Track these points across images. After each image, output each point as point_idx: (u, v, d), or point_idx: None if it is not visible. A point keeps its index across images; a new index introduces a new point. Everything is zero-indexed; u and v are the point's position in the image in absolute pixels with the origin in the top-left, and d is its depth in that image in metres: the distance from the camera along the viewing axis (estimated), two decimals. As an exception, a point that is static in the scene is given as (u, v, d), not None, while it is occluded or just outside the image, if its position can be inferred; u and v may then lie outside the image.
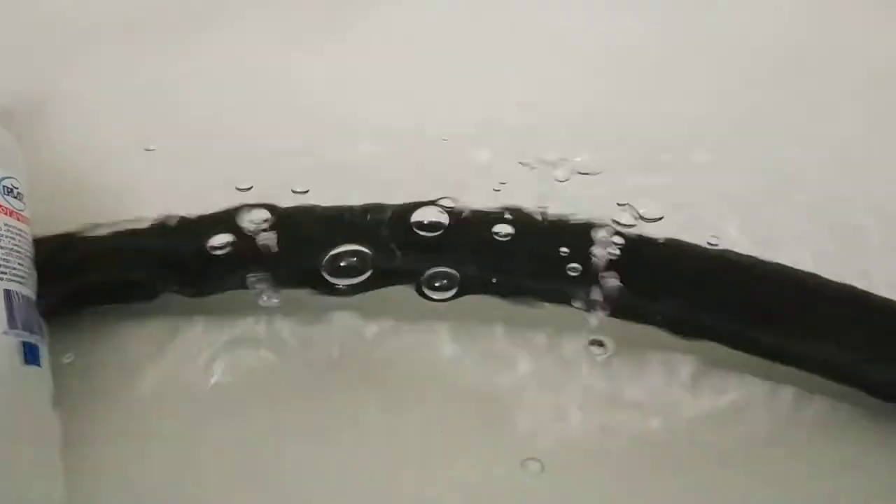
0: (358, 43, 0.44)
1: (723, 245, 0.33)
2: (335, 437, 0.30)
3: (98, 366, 0.31)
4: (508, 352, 0.32)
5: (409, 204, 0.32)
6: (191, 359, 0.31)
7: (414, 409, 0.30)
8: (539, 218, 0.33)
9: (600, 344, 0.31)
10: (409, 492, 0.28)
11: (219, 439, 0.29)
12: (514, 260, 0.32)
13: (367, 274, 0.31)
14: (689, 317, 0.31)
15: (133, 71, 0.41)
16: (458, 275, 0.31)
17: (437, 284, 0.31)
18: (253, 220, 0.32)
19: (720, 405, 0.30)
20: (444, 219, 0.32)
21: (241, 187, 0.34)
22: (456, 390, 0.31)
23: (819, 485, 0.29)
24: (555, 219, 0.33)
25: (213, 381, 0.31)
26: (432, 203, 0.32)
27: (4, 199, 0.30)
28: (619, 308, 0.31)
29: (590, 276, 0.31)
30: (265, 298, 0.32)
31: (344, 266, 0.31)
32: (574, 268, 0.31)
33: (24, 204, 0.31)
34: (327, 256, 0.31)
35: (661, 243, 0.32)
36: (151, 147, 0.37)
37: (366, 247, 0.31)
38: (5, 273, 0.28)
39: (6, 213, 0.29)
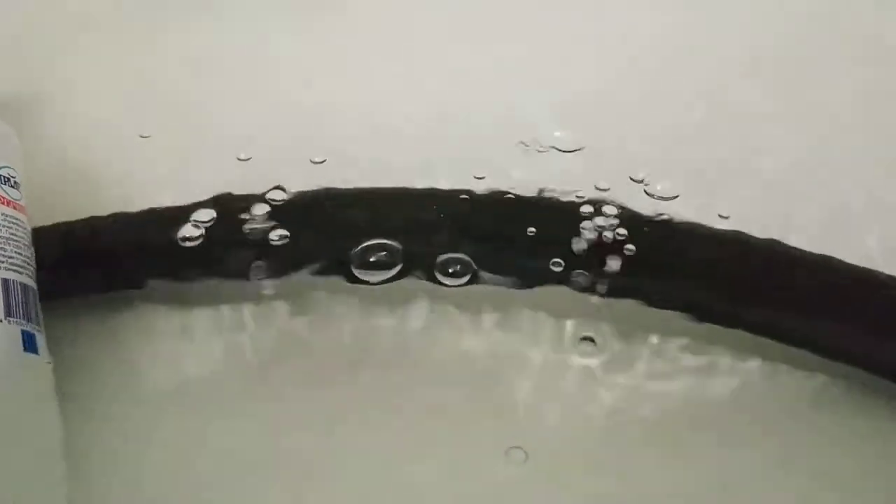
0: (351, 24, 0.44)
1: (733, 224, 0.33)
2: (333, 425, 0.30)
3: (94, 355, 0.31)
4: (507, 337, 0.32)
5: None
6: (188, 347, 0.32)
7: (412, 396, 0.30)
8: (537, 199, 0.33)
9: (591, 340, 0.31)
10: (407, 480, 0.29)
11: (218, 427, 0.30)
12: (513, 243, 0.32)
13: (397, 268, 0.31)
14: (689, 297, 0.31)
15: (127, 59, 0.41)
16: (471, 261, 0.31)
17: (450, 271, 0.31)
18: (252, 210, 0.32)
19: (715, 384, 0.31)
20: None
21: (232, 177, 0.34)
22: (455, 376, 0.31)
23: (820, 460, 0.29)
24: (553, 199, 0.33)
25: (211, 369, 0.31)
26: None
27: (1, 188, 0.30)
28: (617, 289, 0.31)
29: (586, 257, 0.31)
30: (262, 286, 0.32)
31: (374, 261, 0.31)
32: (569, 250, 0.31)
33: (21, 193, 0.31)
34: (357, 249, 0.31)
35: (659, 223, 0.32)
36: (146, 133, 0.37)
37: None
38: (2, 262, 0.28)
39: (3, 203, 0.29)
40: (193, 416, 0.30)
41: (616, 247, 0.31)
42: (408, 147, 0.36)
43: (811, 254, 0.31)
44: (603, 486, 0.28)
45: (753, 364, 0.31)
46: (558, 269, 0.31)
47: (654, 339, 0.31)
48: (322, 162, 0.35)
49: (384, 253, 0.31)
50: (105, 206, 0.33)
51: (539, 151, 0.36)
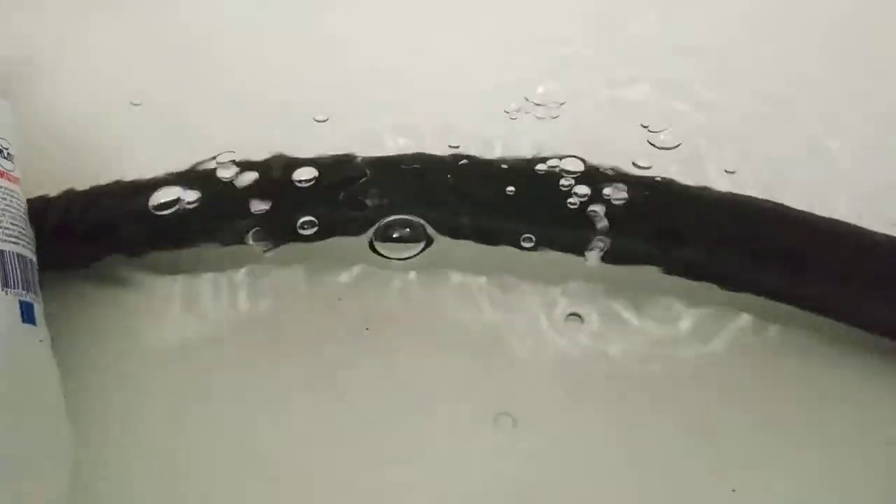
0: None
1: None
2: (331, 385, 0.30)
3: (94, 323, 0.31)
4: (505, 299, 0.32)
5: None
6: (187, 312, 0.32)
7: (410, 358, 0.31)
8: (534, 162, 0.33)
9: (578, 316, 0.32)
10: (406, 439, 0.29)
11: (219, 389, 0.30)
12: (511, 206, 0.32)
13: (421, 246, 0.32)
14: (690, 259, 0.32)
15: (120, 27, 0.41)
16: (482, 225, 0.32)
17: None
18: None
19: (706, 344, 0.31)
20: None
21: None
22: (454, 338, 0.31)
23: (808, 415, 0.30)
24: (553, 165, 0.33)
25: (210, 332, 0.32)
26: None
27: None
28: (615, 253, 0.32)
29: (584, 220, 0.31)
30: (261, 249, 0.32)
31: (396, 237, 0.32)
32: (570, 212, 0.31)
33: (15, 164, 0.31)
34: (378, 226, 0.31)
35: (659, 184, 0.32)
36: (137, 101, 0.37)
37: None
38: None
39: None
40: (192, 380, 0.31)
41: (611, 210, 0.31)
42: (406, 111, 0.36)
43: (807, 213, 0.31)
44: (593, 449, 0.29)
45: (745, 322, 0.32)
46: (549, 234, 0.32)
47: (643, 302, 0.32)
48: (324, 120, 0.36)
49: (407, 229, 0.31)
50: (98, 175, 0.33)
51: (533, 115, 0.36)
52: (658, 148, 0.34)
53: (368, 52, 0.39)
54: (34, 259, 0.29)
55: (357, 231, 0.32)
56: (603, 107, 0.37)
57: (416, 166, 0.33)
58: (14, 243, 0.28)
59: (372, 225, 0.32)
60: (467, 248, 0.32)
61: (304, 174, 0.32)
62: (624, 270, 0.32)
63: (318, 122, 0.36)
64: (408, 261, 0.32)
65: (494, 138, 0.34)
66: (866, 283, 0.30)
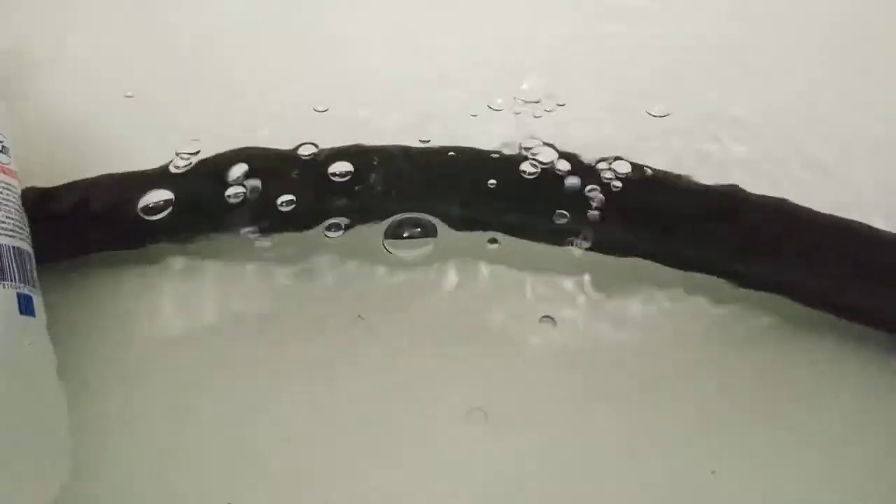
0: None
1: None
2: (331, 372, 0.31)
3: (93, 315, 0.31)
4: (496, 289, 0.33)
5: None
6: (186, 303, 0.32)
7: (406, 340, 0.31)
8: (528, 156, 0.33)
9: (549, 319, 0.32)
10: (402, 425, 0.30)
11: (218, 380, 0.30)
12: (504, 197, 0.32)
13: (431, 245, 0.32)
14: (677, 249, 0.32)
15: (115, 19, 0.41)
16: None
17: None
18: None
19: (698, 335, 0.32)
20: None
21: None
22: (449, 328, 0.32)
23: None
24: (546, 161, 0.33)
25: (209, 323, 0.32)
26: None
27: None
28: (603, 243, 0.32)
29: (576, 212, 0.32)
30: (259, 240, 0.32)
31: (407, 236, 0.32)
32: (561, 204, 0.32)
33: (10, 157, 0.31)
34: (389, 224, 0.32)
35: (649, 178, 0.32)
36: (130, 93, 0.37)
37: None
38: None
39: None
40: (193, 370, 0.31)
41: (599, 200, 0.31)
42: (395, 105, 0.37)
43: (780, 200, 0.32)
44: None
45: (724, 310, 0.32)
46: (539, 223, 0.32)
47: (622, 292, 0.32)
48: (324, 111, 0.36)
49: (417, 229, 0.32)
50: (93, 167, 0.33)
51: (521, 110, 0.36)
52: (652, 143, 0.35)
53: (367, 51, 0.39)
54: (31, 251, 0.29)
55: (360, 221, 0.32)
56: (599, 104, 0.37)
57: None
58: (10, 236, 0.28)
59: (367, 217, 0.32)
60: (463, 239, 0.32)
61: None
62: (615, 261, 0.32)
63: (319, 112, 0.36)
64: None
65: (484, 133, 0.35)
66: (857, 277, 0.31)
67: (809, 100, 0.38)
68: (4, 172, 0.30)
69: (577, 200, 0.31)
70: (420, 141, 0.34)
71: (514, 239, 0.32)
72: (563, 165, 0.32)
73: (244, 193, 0.31)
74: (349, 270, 0.33)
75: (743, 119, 0.37)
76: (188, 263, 0.33)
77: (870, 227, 0.31)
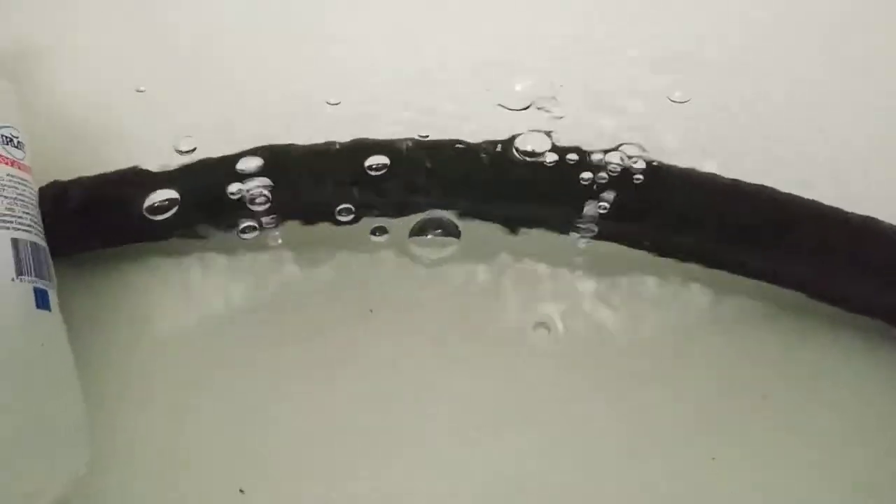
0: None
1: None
2: (333, 370, 0.31)
3: (106, 306, 0.32)
4: (499, 280, 0.33)
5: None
6: (194, 296, 0.33)
7: (408, 339, 0.32)
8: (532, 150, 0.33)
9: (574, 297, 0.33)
10: (402, 424, 0.30)
11: (224, 374, 0.31)
12: (512, 190, 0.33)
13: (454, 245, 0.33)
14: (676, 239, 0.33)
15: (124, 14, 0.41)
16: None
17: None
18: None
19: (693, 320, 0.33)
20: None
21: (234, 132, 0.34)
22: (451, 321, 0.32)
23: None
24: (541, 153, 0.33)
25: (216, 317, 0.32)
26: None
27: (4, 148, 0.30)
28: (608, 233, 0.33)
29: (579, 204, 0.32)
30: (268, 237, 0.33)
31: (429, 238, 0.33)
32: (567, 195, 0.32)
33: (25, 153, 0.31)
34: (414, 225, 0.32)
35: (650, 170, 0.33)
36: (142, 88, 0.37)
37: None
38: (10, 222, 0.29)
39: (7, 164, 0.30)
40: (200, 361, 0.31)
41: (602, 192, 0.32)
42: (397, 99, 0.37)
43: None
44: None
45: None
46: (543, 216, 0.33)
47: (624, 286, 0.33)
48: (337, 103, 0.36)
49: (439, 231, 0.32)
50: (102, 162, 0.34)
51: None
52: (653, 139, 0.35)
53: (366, 49, 0.40)
54: (46, 247, 0.30)
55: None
56: (600, 101, 0.37)
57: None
58: (27, 231, 0.29)
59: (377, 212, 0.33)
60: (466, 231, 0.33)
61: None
62: (616, 256, 0.33)
63: (331, 104, 0.36)
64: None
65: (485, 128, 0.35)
66: (841, 263, 0.31)
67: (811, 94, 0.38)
68: (20, 168, 0.30)
69: (580, 193, 0.32)
70: (419, 136, 0.34)
71: (512, 235, 0.33)
72: (565, 158, 0.32)
73: (252, 190, 0.32)
74: (353, 267, 0.33)
75: (744, 113, 0.37)
76: (193, 257, 0.34)
77: (873, 220, 0.31)
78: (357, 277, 0.33)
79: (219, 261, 0.33)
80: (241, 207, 0.32)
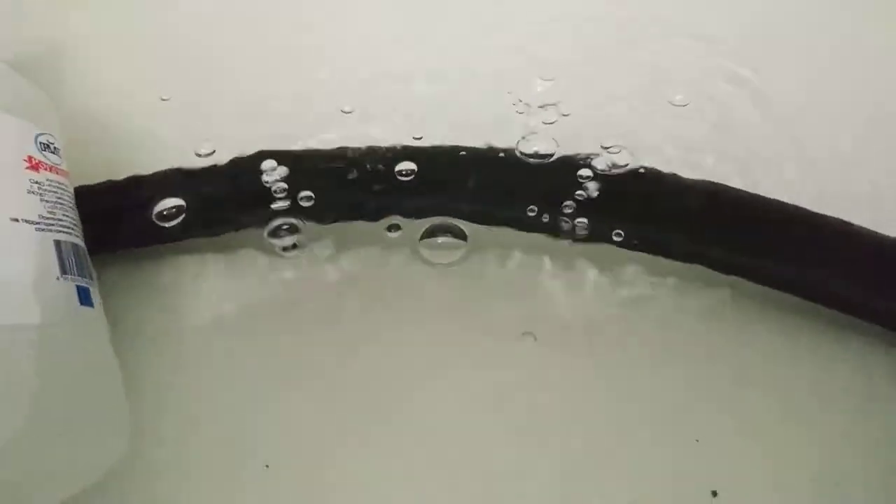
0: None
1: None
2: (354, 350, 0.34)
3: (140, 300, 0.35)
4: (505, 275, 0.36)
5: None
6: (225, 290, 0.35)
7: (423, 325, 0.35)
8: (524, 156, 0.36)
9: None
10: (421, 393, 0.33)
11: (248, 361, 0.34)
12: (511, 194, 0.35)
13: (462, 249, 0.35)
14: (665, 240, 0.35)
15: (147, 17, 0.43)
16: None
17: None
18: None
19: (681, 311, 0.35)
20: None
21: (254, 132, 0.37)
22: (459, 309, 0.35)
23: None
24: (543, 156, 0.36)
25: (245, 309, 0.35)
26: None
27: (43, 154, 0.32)
28: (597, 234, 0.35)
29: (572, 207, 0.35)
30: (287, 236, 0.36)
31: (441, 243, 0.35)
32: (558, 201, 0.35)
33: (62, 158, 0.33)
34: (424, 231, 0.35)
35: (638, 174, 0.35)
36: (166, 97, 0.39)
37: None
38: (53, 225, 0.31)
39: (47, 169, 0.32)
40: (225, 348, 0.34)
41: (594, 194, 0.35)
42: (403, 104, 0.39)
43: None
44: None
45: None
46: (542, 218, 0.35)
47: (623, 281, 0.36)
48: (350, 112, 0.39)
49: (448, 234, 0.35)
50: (124, 166, 0.36)
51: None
52: (650, 143, 0.37)
53: (378, 56, 0.41)
54: (84, 247, 0.32)
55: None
56: (598, 100, 0.39)
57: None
58: (67, 233, 0.31)
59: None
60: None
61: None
62: (613, 252, 0.36)
63: (345, 112, 0.39)
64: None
65: (485, 131, 0.37)
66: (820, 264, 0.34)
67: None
68: (59, 173, 0.32)
69: (574, 194, 0.34)
70: (413, 138, 0.36)
71: (514, 231, 0.36)
72: (560, 161, 0.35)
73: (275, 189, 0.34)
74: (368, 261, 0.36)
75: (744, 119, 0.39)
76: (218, 254, 0.36)
77: (848, 223, 0.33)
78: (371, 270, 0.36)
79: (239, 256, 0.36)
80: (264, 207, 0.34)
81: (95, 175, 0.35)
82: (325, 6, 0.43)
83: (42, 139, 0.33)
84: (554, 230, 0.35)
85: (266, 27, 0.42)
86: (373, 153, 0.35)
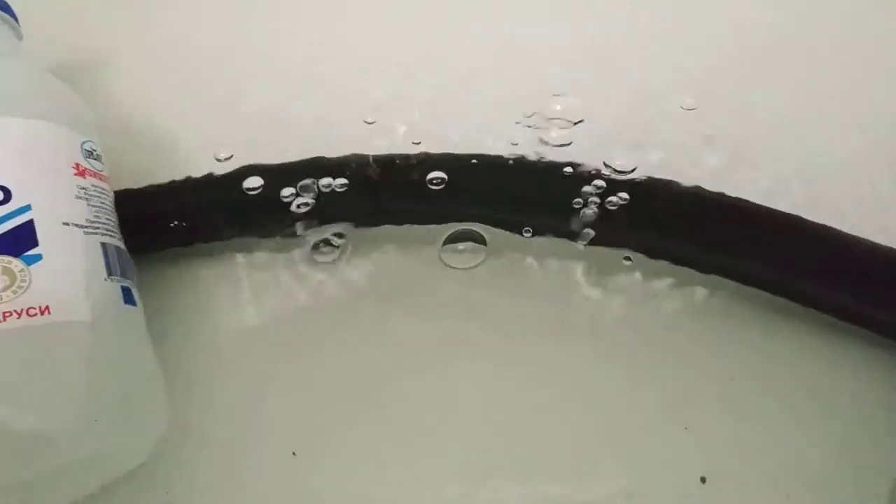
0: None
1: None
2: (367, 346, 0.37)
3: (177, 300, 0.37)
4: (513, 277, 0.38)
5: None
6: (259, 293, 0.38)
7: (434, 323, 0.37)
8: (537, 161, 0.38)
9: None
10: (432, 385, 0.36)
11: (287, 360, 0.36)
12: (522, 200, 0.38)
13: (482, 255, 0.37)
14: (662, 245, 0.38)
15: (190, 26, 0.45)
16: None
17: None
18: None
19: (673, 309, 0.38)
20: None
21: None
22: (470, 307, 0.38)
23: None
24: (552, 163, 0.38)
25: (280, 310, 0.37)
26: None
27: (88, 161, 0.34)
28: (602, 238, 0.38)
29: (579, 213, 0.37)
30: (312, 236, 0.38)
31: (461, 249, 0.37)
32: (566, 206, 0.37)
33: (103, 164, 0.35)
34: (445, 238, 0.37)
35: (647, 183, 0.37)
36: (187, 103, 0.41)
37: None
38: (98, 228, 0.32)
39: (92, 175, 0.33)
40: (259, 347, 0.36)
41: (602, 200, 0.37)
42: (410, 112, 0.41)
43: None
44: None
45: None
46: (558, 220, 0.37)
47: (630, 277, 0.38)
48: (372, 123, 0.41)
49: (469, 241, 0.37)
50: (158, 171, 0.38)
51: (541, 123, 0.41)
52: (653, 151, 0.40)
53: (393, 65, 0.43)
54: (125, 248, 0.34)
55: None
56: (608, 110, 0.42)
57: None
58: (111, 236, 0.33)
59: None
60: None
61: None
62: (613, 254, 0.38)
63: (368, 123, 0.41)
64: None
65: (497, 140, 0.40)
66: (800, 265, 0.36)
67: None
68: (101, 179, 0.34)
69: (583, 200, 0.36)
70: (412, 143, 0.38)
71: (528, 239, 0.38)
72: (571, 169, 0.37)
73: (305, 196, 0.37)
74: (393, 265, 0.38)
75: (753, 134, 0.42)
76: (243, 255, 0.38)
77: (839, 232, 0.35)
78: (395, 275, 0.38)
79: (270, 260, 0.38)
80: (289, 212, 0.37)
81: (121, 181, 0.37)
82: (349, 17, 0.45)
83: (87, 146, 0.34)
84: (565, 235, 0.37)
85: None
86: (395, 160, 0.37)
